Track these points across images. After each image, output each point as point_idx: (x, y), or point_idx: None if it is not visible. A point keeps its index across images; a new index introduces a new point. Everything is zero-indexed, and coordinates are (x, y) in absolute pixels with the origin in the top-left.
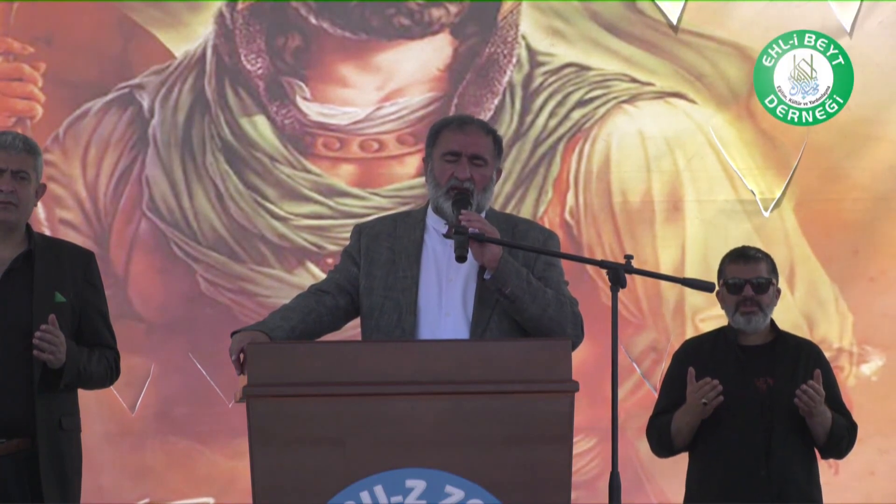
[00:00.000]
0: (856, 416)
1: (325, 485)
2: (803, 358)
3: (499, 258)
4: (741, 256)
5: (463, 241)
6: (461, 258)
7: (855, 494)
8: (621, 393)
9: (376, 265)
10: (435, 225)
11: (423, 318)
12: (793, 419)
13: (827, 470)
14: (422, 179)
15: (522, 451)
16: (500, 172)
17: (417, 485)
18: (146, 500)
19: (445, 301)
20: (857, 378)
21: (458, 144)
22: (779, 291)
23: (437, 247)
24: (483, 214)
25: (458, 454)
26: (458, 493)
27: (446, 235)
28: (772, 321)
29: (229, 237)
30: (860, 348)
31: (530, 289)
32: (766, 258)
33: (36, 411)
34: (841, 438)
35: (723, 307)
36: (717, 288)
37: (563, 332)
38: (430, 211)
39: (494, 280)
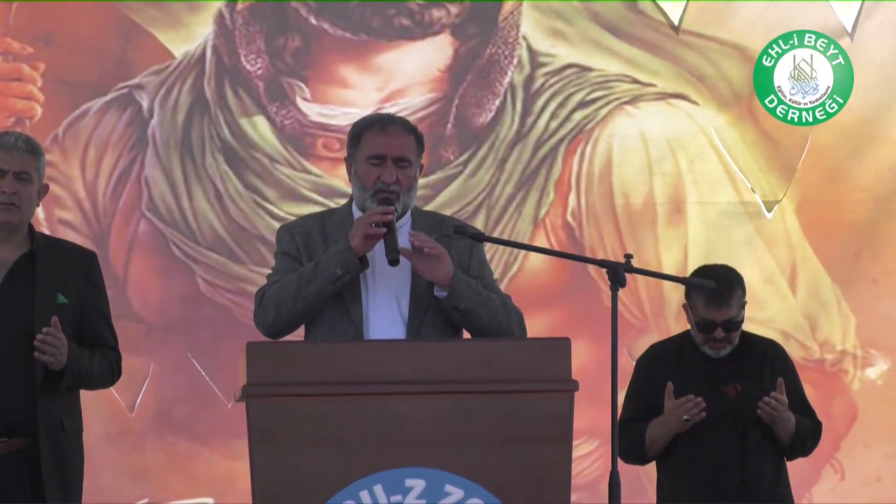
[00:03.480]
0: (861, 422)
1: (325, 484)
2: (769, 360)
3: (451, 276)
4: (714, 301)
5: (394, 244)
6: (394, 262)
7: (861, 500)
8: (624, 395)
9: None
10: None
11: (367, 310)
12: (763, 424)
13: (833, 476)
14: (423, 181)
15: (522, 451)
16: (422, 168)
17: (417, 484)
18: (145, 501)
19: (381, 295)
20: (862, 382)
21: (383, 147)
22: (744, 304)
23: None
24: (408, 213)
25: (457, 454)
26: (457, 493)
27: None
28: None
29: (229, 238)
30: (864, 351)
31: (481, 299)
32: (738, 291)
33: (37, 412)
34: (805, 440)
35: (690, 329)
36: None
37: (511, 335)
38: (354, 208)
39: (449, 298)
